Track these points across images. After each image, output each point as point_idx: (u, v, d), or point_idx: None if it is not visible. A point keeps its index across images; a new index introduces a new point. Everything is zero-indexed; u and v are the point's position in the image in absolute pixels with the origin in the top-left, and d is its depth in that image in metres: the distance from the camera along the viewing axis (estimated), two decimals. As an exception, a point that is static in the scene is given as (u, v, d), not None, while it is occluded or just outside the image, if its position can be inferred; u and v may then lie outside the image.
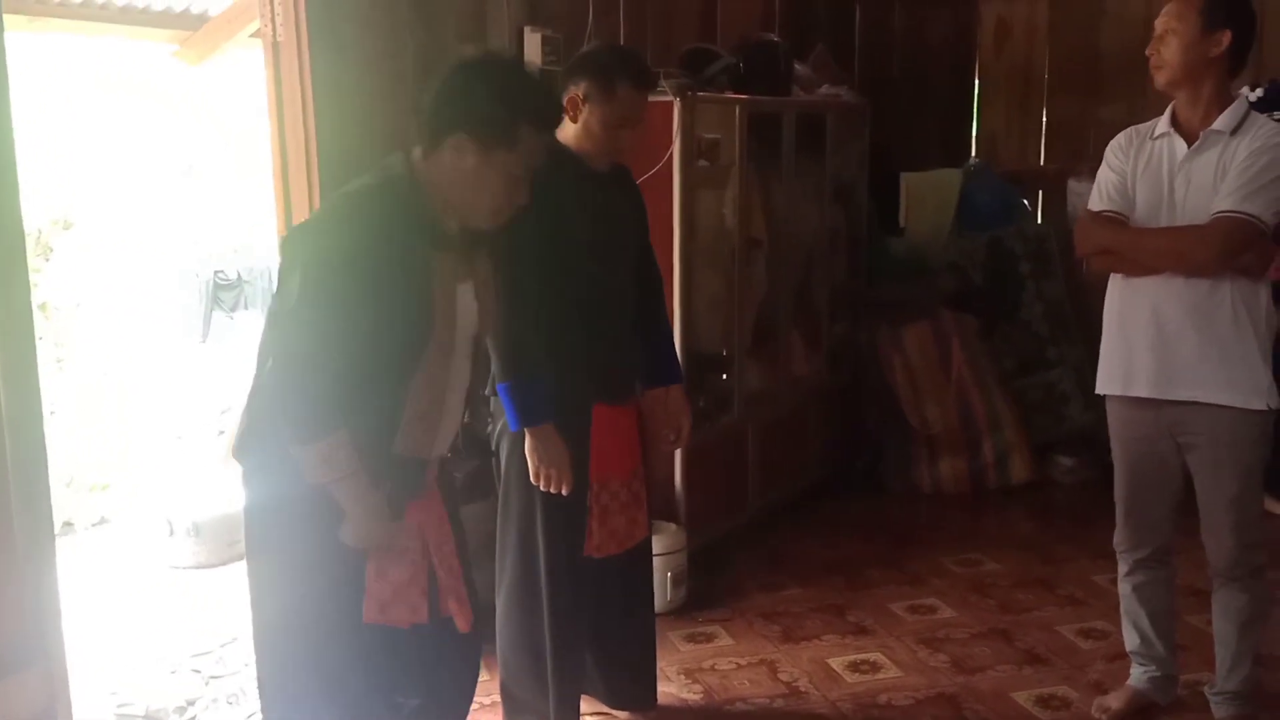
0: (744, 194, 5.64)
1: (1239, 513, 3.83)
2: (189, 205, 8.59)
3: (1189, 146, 3.71)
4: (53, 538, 3.60)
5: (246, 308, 7.61)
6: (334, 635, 2.97)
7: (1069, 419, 7.09)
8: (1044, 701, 4.42)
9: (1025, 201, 7.78)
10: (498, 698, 4.16)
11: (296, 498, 2.88)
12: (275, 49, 4.25)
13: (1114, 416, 4.03)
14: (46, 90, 7.81)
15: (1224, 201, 3.59)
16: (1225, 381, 3.71)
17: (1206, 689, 4.12)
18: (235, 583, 3.22)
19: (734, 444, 5.92)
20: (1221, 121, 3.67)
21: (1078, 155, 7.25)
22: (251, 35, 5.96)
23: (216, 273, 7.61)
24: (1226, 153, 3.64)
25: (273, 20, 4.23)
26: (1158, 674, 4.19)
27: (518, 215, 2.99)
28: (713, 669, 4.71)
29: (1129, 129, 3.93)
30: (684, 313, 5.20)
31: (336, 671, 2.99)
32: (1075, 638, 4.95)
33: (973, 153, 8.09)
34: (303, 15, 4.18)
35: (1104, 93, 7.36)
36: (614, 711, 4.28)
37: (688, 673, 4.67)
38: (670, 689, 4.50)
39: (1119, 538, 4.12)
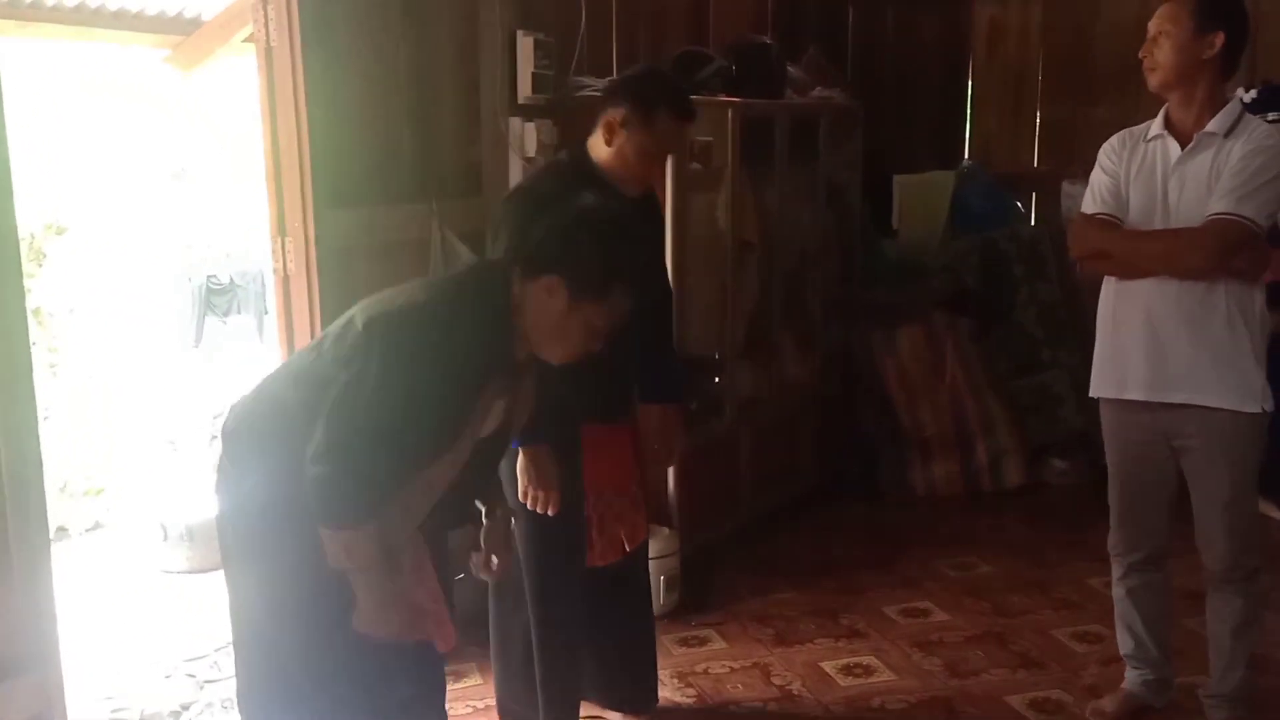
0: (737, 197, 5.64)
1: (1233, 516, 3.83)
2: (182, 210, 8.59)
3: (1182, 149, 3.71)
4: (47, 543, 3.60)
5: (239, 312, 7.61)
6: (314, 645, 2.98)
7: (1063, 422, 7.08)
8: (1038, 705, 4.42)
9: (1019, 204, 7.79)
10: (493, 701, 4.16)
11: (274, 507, 2.91)
12: (268, 54, 4.25)
13: (1108, 420, 4.03)
14: (40, 95, 7.81)
15: (1218, 204, 3.59)
16: (1219, 384, 3.71)
17: (1200, 692, 4.12)
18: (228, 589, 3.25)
19: (727, 447, 5.91)
20: (1215, 123, 3.67)
21: (1071, 157, 7.25)
22: (244, 40, 5.97)
23: (209, 277, 7.61)
24: (1220, 155, 3.64)
25: (266, 25, 4.23)
26: (1152, 677, 4.19)
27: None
28: (706, 672, 4.70)
29: (1122, 131, 3.93)
30: (676, 316, 5.18)
31: (318, 679, 3.01)
32: (1069, 641, 4.95)
33: (966, 155, 8.12)
34: (296, 20, 4.18)
35: (1097, 95, 7.38)
36: (608, 713, 4.27)
37: (681, 676, 4.66)
38: (663, 693, 4.48)
39: (1113, 541, 4.12)
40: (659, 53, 5.81)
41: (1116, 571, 4.15)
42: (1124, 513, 4.06)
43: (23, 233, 3.48)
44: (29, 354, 3.53)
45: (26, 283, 3.68)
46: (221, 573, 3.16)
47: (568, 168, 3.83)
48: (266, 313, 7.26)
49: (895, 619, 5.19)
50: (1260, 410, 3.73)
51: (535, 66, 5.00)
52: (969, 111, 8.19)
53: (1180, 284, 3.70)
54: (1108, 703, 4.26)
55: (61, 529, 6.31)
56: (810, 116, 6.43)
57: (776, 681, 4.61)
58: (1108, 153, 3.90)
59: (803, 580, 5.60)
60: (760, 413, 6.14)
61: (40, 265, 7.21)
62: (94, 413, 7.08)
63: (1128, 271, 3.80)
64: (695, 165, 5.25)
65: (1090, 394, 4.05)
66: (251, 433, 3.01)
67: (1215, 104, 3.69)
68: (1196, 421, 3.76)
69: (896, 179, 7.53)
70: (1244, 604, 3.92)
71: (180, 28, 6.52)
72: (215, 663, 4.72)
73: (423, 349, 2.82)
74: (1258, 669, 4.11)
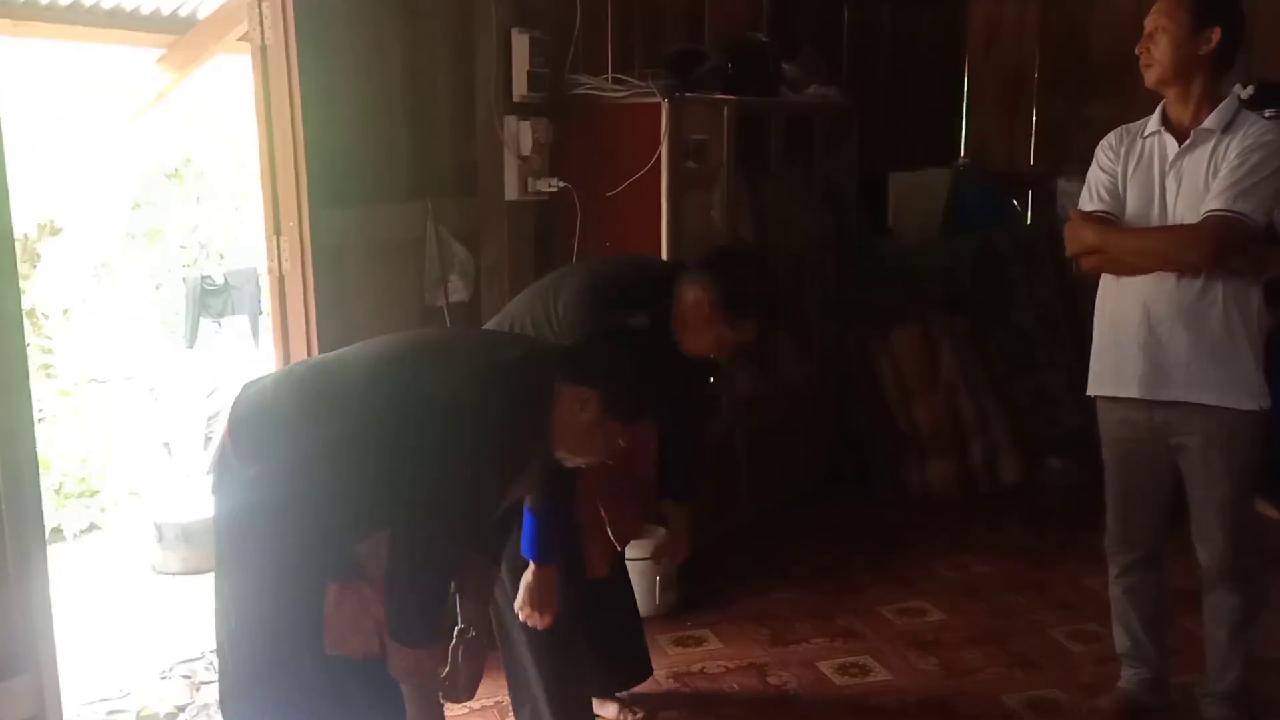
0: (732, 195, 5.63)
1: (1230, 514, 3.82)
2: (177, 210, 8.57)
3: (1179, 145, 3.71)
4: (43, 544, 3.60)
5: (234, 313, 7.57)
6: (296, 653, 3.03)
7: (1059, 421, 7.07)
8: (1034, 705, 4.42)
9: (1015, 202, 7.78)
10: (499, 698, 4.16)
11: (268, 511, 2.94)
12: (263, 52, 4.24)
13: (1105, 418, 4.02)
14: (34, 95, 7.80)
15: (1215, 200, 3.59)
16: (1216, 382, 3.71)
17: (1197, 690, 4.12)
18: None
19: (723, 448, 5.89)
20: (1212, 119, 3.66)
21: (1067, 156, 7.24)
22: (239, 39, 5.96)
23: (203, 278, 7.57)
24: (1218, 151, 3.64)
25: (260, 23, 4.22)
26: (1148, 676, 4.19)
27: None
28: (702, 672, 4.70)
29: (1119, 128, 3.92)
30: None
31: (298, 686, 3.06)
32: (1066, 641, 4.94)
33: (961, 153, 8.11)
34: (291, 18, 4.17)
35: (1093, 93, 7.36)
36: (605, 705, 4.28)
37: (677, 676, 4.65)
38: (660, 692, 4.49)
39: (1110, 540, 4.12)
40: (654, 50, 5.80)
41: (1113, 570, 4.15)
42: (1120, 511, 4.06)
43: (16, 233, 3.47)
44: (24, 355, 3.53)
45: (21, 284, 3.67)
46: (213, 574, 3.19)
47: (648, 290, 3.76)
48: (261, 314, 7.23)
49: (891, 619, 5.19)
50: (1257, 408, 3.73)
51: (531, 65, 4.99)
52: (965, 109, 8.19)
53: (1178, 281, 3.69)
54: (1104, 702, 4.26)
55: (56, 530, 6.29)
56: (806, 115, 6.43)
57: (772, 681, 4.61)
58: (1105, 149, 3.89)
59: (799, 580, 5.60)
60: (755, 412, 6.12)
61: (35, 266, 7.19)
62: (89, 414, 7.06)
63: (1124, 269, 3.79)
64: (690, 164, 5.24)
65: (1088, 392, 4.04)
66: (260, 431, 3.03)
67: (1212, 100, 3.69)
68: (1194, 419, 3.76)
69: (892, 177, 7.52)
70: (1241, 602, 3.92)
71: (176, 25, 6.51)
72: (210, 663, 4.70)
73: (479, 453, 2.94)
74: (1255, 668, 4.11)
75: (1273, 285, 3.86)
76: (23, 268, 6.56)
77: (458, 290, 4.87)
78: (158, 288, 8.15)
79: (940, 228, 7.45)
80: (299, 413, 3.02)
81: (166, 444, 7.03)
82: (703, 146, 5.36)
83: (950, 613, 5.24)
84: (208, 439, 7.01)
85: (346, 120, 4.43)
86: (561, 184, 5.09)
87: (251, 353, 7.27)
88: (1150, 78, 3.75)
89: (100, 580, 5.88)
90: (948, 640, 4.97)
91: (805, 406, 6.69)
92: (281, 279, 4.37)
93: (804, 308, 6.66)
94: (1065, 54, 7.72)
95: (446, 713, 3.34)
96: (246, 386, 3.18)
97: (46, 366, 6.95)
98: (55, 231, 7.43)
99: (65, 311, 7.37)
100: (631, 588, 4.45)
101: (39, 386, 6.30)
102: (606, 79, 5.23)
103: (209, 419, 7.06)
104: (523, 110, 5.05)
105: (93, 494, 6.75)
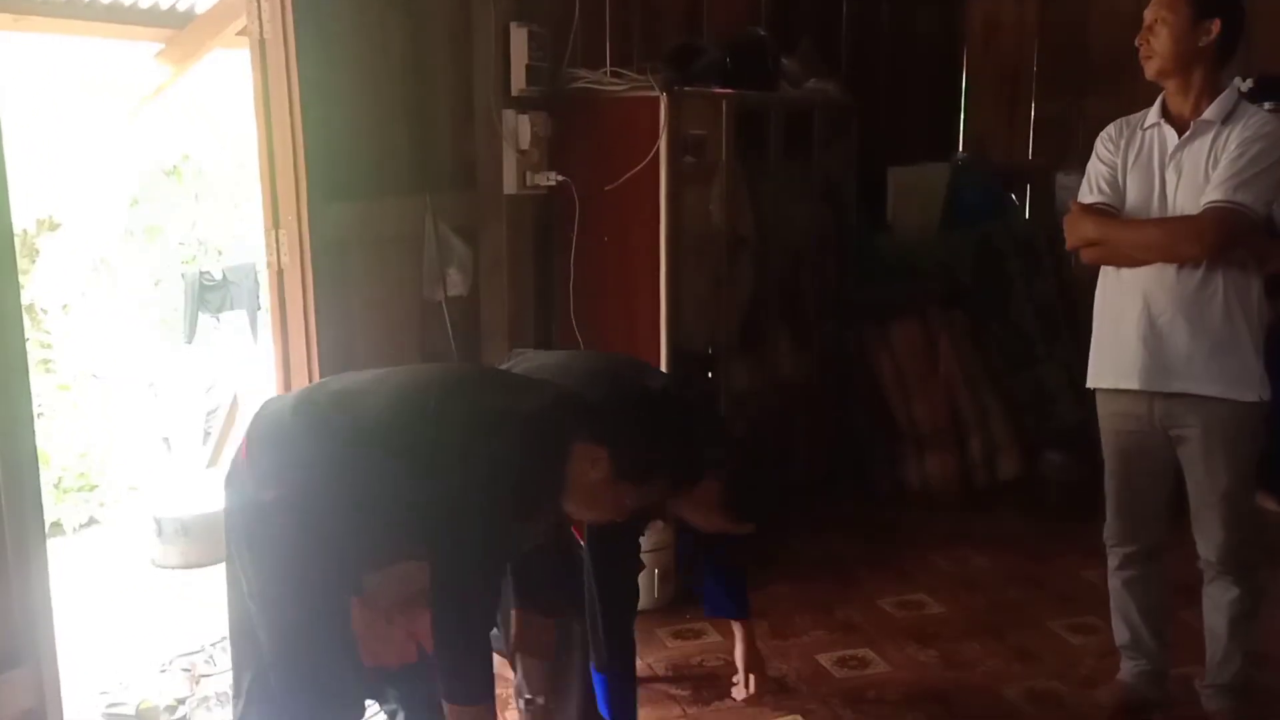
0: (730, 190, 5.62)
1: (1230, 506, 3.83)
2: (176, 205, 8.57)
3: (1179, 136, 3.72)
4: (43, 539, 3.60)
5: (232, 308, 7.57)
6: (299, 651, 3.05)
7: (1058, 416, 7.05)
8: (1033, 697, 4.43)
9: (1013, 196, 7.78)
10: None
11: (287, 538, 2.95)
12: (262, 47, 4.24)
13: (1105, 409, 4.02)
14: (33, 90, 7.79)
15: (1215, 192, 3.59)
16: (1217, 373, 3.71)
17: (1197, 683, 4.13)
18: (224, 583, 3.26)
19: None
20: (1212, 111, 3.67)
21: (1066, 150, 7.24)
22: (238, 34, 5.95)
23: (202, 274, 7.57)
24: (1218, 142, 3.65)
25: (259, 17, 4.22)
26: (1148, 668, 4.19)
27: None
28: (700, 665, 4.70)
29: (1119, 120, 3.92)
30: (670, 311, 5.18)
31: (312, 682, 3.06)
32: (1065, 633, 4.95)
33: (960, 148, 8.10)
34: (289, 13, 4.17)
35: (1092, 87, 7.36)
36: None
37: (675, 669, 4.66)
38: (658, 685, 4.49)
39: (1109, 532, 4.12)
40: (653, 44, 5.79)
41: (1112, 563, 4.15)
42: (1120, 504, 4.06)
43: (16, 228, 3.47)
44: (24, 350, 3.53)
45: (20, 279, 3.67)
46: (217, 567, 3.19)
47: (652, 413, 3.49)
48: (260, 309, 7.24)
49: (890, 612, 5.19)
50: (1258, 399, 3.73)
51: (529, 59, 4.99)
52: (964, 104, 8.18)
53: (1178, 273, 3.70)
54: (1104, 694, 4.26)
55: (56, 525, 6.30)
56: (804, 110, 6.41)
57: (772, 674, 4.59)
58: (1104, 141, 3.90)
59: (797, 574, 5.60)
60: (754, 407, 6.12)
61: (34, 261, 7.19)
62: (88, 409, 7.07)
63: (1125, 261, 3.80)
64: (689, 159, 5.24)
65: (1088, 384, 4.05)
66: (280, 459, 3.03)
67: (1212, 91, 3.70)
68: (1194, 411, 3.76)
69: (891, 171, 7.50)
70: (1240, 595, 3.92)
71: (175, 20, 6.50)
72: (210, 657, 4.71)
73: (494, 484, 2.95)
74: (1256, 664, 4.11)
75: (1273, 277, 3.87)
76: (22, 263, 6.56)
77: (456, 284, 4.87)
78: (156, 284, 8.14)
79: (939, 223, 7.44)
80: (318, 452, 2.99)
81: (166, 439, 7.04)
82: (701, 141, 5.36)
83: (949, 605, 5.25)
84: (206, 434, 7.03)
85: (345, 115, 4.43)
86: (560, 178, 5.09)
87: (250, 348, 7.27)
88: (1150, 69, 3.75)
89: (100, 574, 5.89)
90: (947, 633, 4.97)
91: (803, 401, 6.68)
92: (280, 274, 4.36)
93: (803, 303, 6.66)
94: (1064, 49, 7.71)
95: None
96: (267, 404, 3.19)
97: (46, 361, 6.96)
98: (54, 227, 7.43)
99: (64, 307, 7.37)
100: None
101: (38, 381, 6.30)
102: (605, 73, 5.23)
103: (208, 414, 7.08)
104: (521, 104, 5.05)
105: (92, 488, 6.76)
